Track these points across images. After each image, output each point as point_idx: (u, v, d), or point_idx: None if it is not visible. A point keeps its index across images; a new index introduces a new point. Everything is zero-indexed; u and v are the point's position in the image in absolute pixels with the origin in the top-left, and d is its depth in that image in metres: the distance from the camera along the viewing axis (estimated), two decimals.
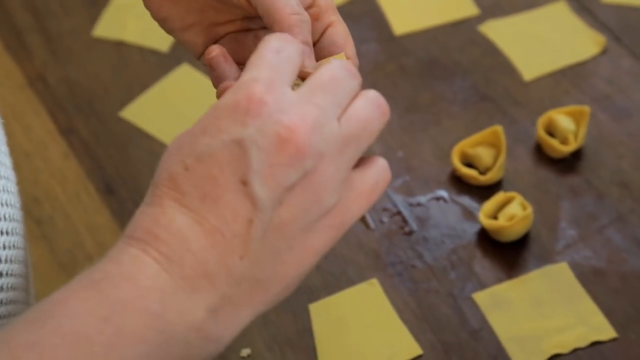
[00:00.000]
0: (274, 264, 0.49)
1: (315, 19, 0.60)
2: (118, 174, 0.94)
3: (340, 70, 0.51)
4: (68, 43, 1.05)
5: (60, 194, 0.93)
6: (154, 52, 1.03)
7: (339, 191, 0.50)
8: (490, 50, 1.01)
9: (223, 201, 0.49)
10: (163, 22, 0.62)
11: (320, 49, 0.61)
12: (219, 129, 0.49)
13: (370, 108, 0.51)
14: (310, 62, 0.57)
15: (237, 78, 0.56)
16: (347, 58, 0.59)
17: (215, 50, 0.59)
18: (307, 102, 0.50)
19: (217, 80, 0.60)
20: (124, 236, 0.50)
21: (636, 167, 0.90)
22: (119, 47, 1.04)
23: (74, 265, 0.88)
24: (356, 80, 0.52)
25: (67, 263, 0.88)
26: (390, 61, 1.01)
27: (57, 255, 0.88)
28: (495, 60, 1.00)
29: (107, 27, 1.06)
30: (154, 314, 0.48)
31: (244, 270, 0.49)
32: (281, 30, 0.56)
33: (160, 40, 1.04)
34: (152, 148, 0.95)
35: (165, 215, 0.49)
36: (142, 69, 1.02)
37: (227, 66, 0.59)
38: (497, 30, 1.02)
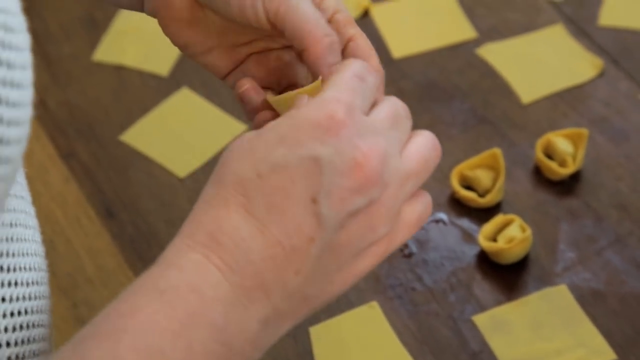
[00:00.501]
0: (322, 282, 0.50)
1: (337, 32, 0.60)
2: (118, 198, 0.94)
3: (401, 108, 0.54)
4: (68, 67, 1.06)
5: (60, 218, 0.94)
6: (153, 76, 1.04)
7: (392, 222, 0.51)
8: (489, 73, 1.01)
9: (289, 215, 0.49)
10: (184, 48, 0.63)
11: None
12: (298, 143, 0.49)
13: (429, 147, 0.54)
14: None
15: (264, 103, 0.59)
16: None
17: (245, 85, 0.60)
18: (379, 133, 0.51)
19: (251, 113, 0.61)
20: (183, 234, 0.50)
21: (634, 190, 0.90)
22: (119, 71, 1.05)
23: (75, 289, 0.88)
24: (411, 120, 0.54)
25: (68, 287, 0.88)
26: (389, 84, 1.01)
27: (58, 278, 0.88)
28: (494, 83, 1.00)
29: (107, 52, 1.06)
30: (219, 327, 0.48)
31: (297, 285, 0.50)
32: (315, 53, 0.56)
33: (160, 65, 1.04)
34: (152, 172, 0.96)
35: (230, 221, 0.49)
36: (142, 93, 1.03)
37: (258, 97, 0.60)
38: (495, 53, 1.03)
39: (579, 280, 0.84)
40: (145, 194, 0.94)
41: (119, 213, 0.93)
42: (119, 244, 0.91)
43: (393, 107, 0.53)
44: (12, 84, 0.43)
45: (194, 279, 0.49)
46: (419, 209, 0.53)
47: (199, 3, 0.60)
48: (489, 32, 1.05)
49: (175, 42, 0.63)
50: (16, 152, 0.44)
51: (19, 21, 0.44)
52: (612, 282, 0.84)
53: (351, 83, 0.52)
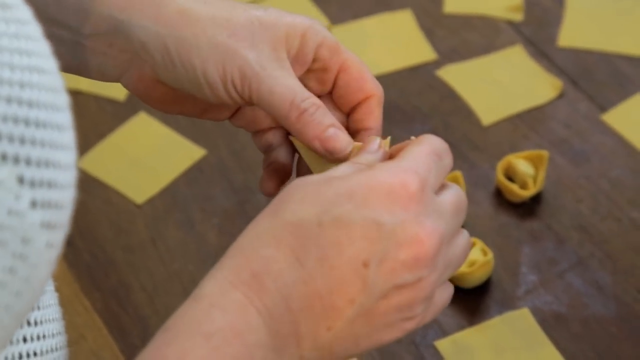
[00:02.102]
0: (349, 343, 0.51)
1: (323, 70, 0.60)
2: (74, 225, 0.92)
3: (464, 201, 0.55)
4: None
5: None
6: (110, 101, 1.02)
7: (428, 303, 0.52)
8: (449, 95, 1.01)
9: (338, 272, 0.49)
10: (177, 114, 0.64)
11: (339, 97, 0.61)
12: (366, 203, 0.50)
13: (467, 249, 0.55)
14: (345, 137, 0.58)
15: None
16: (371, 94, 0.60)
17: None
18: (442, 217, 0.51)
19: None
20: (227, 268, 0.49)
21: (595, 211, 0.90)
22: (75, 96, 1.03)
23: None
24: (465, 214, 0.55)
25: None
26: None
27: None
28: (454, 105, 1.00)
29: (62, 76, 1.05)
30: None
31: (327, 341, 0.50)
32: (296, 130, 0.57)
33: (117, 89, 1.03)
34: (109, 198, 0.94)
35: (277, 264, 0.49)
36: (98, 118, 1.01)
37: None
38: (455, 75, 1.03)
39: (541, 304, 0.84)
40: (102, 221, 0.93)
41: (75, 241, 0.92)
42: (75, 273, 0.89)
43: (459, 196, 0.55)
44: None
45: (237, 322, 0.48)
46: (447, 294, 0.55)
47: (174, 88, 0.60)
48: (449, 54, 1.05)
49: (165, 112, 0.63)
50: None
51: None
52: (574, 305, 0.84)
53: (429, 159, 0.53)
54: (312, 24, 0.60)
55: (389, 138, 0.59)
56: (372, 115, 0.61)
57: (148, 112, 1.01)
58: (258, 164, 0.65)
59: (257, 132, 0.64)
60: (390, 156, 0.56)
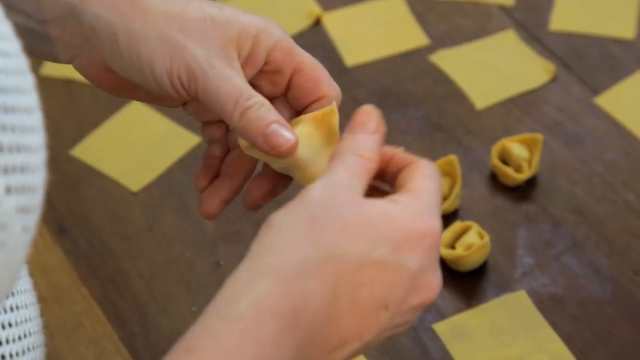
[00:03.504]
0: None
1: (276, 72, 0.60)
2: (71, 214, 0.93)
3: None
4: None
5: None
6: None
7: None
8: (442, 80, 1.01)
9: (363, 313, 0.50)
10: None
11: (293, 98, 0.61)
12: (401, 248, 0.51)
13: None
14: (287, 133, 0.58)
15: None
16: (325, 95, 0.60)
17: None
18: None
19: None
20: (264, 290, 0.48)
21: (590, 194, 0.90)
22: (68, 85, 1.03)
23: None
24: None
25: None
26: (343, 93, 0.99)
27: None
28: (447, 90, 1.00)
29: (55, 66, 1.03)
30: None
31: None
32: (236, 121, 0.57)
33: None
34: (105, 186, 0.94)
35: (315, 301, 0.49)
36: (92, 106, 1.01)
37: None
38: (448, 60, 1.03)
39: (538, 286, 0.84)
40: (98, 209, 0.93)
41: (72, 229, 0.91)
42: (72, 261, 0.89)
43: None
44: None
45: (269, 356, 0.48)
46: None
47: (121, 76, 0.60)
48: (441, 39, 1.05)
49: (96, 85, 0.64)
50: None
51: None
52: (571, 286, 0.84)
53: (440, 197, 0.55)
54: (266, 25, 0.60)
55: (333, 103, 0.59)
56: None
57: (135, 100, 1.00)
58: None
59: (205, 123, 0.64)
60: (388, 159, 0.57)
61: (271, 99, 0.62)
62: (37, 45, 0.61)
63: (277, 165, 0.59)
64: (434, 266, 0.53)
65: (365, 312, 0.50)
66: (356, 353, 0.52)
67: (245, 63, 0.59)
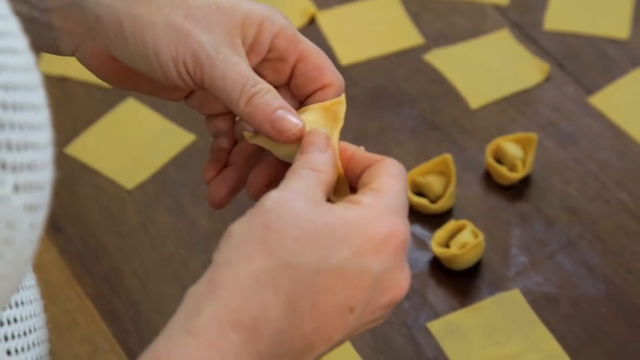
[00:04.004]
0: None
1: (280, 60, 0.60)
2: (65, 212, 0.93)
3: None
4: None
5: None
6: (98, 87, 1.02)
7: None
8: (437, 79, 1.01)
9: (327, 318, 0.50)
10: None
11: (297, 86, 0.61)
12: (361, 251, 0.51)
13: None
14: (294, 118, 0.57)
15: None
16: (328, 83, 0.60)
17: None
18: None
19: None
20: (226, 306, 0.49)
21: (583, 193, 0.91)
22: (63, 82, 1.03)
23: None
24: None
25: None
26: None
27: None
28: (442, 89, 1.00)
29: (49, 63, 1.04)
30: None
31: None
32: (242, 108, 0.57)
33: None
34: (99, 184, 0.94)
35: (275, 311, 0.49)
36: (86, 104, 1.01)
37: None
38: (443, 59, 1.03)
39: (532, 285, 0.85)
40: (92, 207, 0.93)
41: (66, 227, 0.91)
42: (66, 259, 0.89)
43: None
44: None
45: None
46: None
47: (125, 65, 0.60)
48: (436, 38, 1.05)
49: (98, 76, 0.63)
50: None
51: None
52: (564, 285, 0.84)
53: (406, 197, 0.54)
54: (270, 13, 0.59)
55: (343, 95, 0.59)
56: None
57: (136, 98, 1.00)
58: None
59: (209, 116, 0.64)
60: (347, 158, 0.57)
61: (275, 87, 0.61)
62: (40, 37, 0.61)
63: (282, 152, 0.59)
64: (400, 265, 0.52)
65: (329, 317, 0.50)
66: (326, 352, 0.52)
67: (249, 50, 0.59)
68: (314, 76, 0.60)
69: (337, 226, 0.51)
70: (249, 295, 0.49)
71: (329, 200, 0.54)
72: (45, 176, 0.41)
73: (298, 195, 0.52)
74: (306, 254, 0.50)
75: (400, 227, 0.52)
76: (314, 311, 0.50)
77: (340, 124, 0.59)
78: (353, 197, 0.53)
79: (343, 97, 0.60)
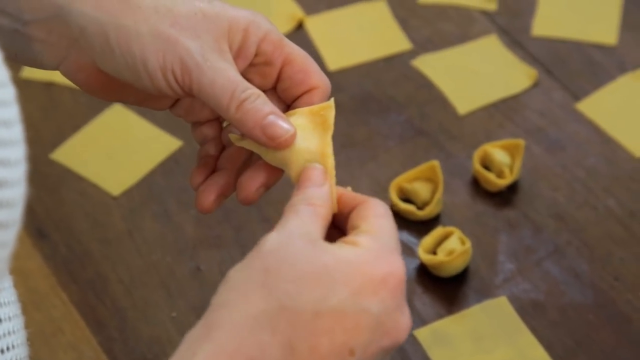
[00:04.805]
0: None
1: (266, 64, 0.60)
2: (50, 218, 0.92)
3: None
4: None
5: None
6: (84, 93, 1.01)
7: None
8: (424, 85, 1.01)
9: (326, 359, 0.49)
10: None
11: (283, 90, 0.61)
12: (360, 293, 0.50)
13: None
14: (285, 123, 0.57)
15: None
16: (315, 86, 0.60)
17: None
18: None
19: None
20: (223, 346, 0.48)
21: (571, 200, 0.91)
22: (49, 88, 1.03)
23: None
24: None
25: None
26: None
27: None
28: (429, 95, 1.00)
29: (35, 69, 1.04)
30: None
31: None
32: (232, 114, 0.57)
33: None
34: (85, 190, 0.94)
35: (272, 352, 0.48)
36: (73, 109, 1.00)
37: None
38: (430, 65, 1.03)
39: (519, 292, 0.84)
40: (78, 214, 0.92)
41: (51, 233, 0.91)
42: (51, 265, 0.88)
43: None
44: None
45: None
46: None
47: (110, 76, 0.59)
48: (424, 44, 1.05)
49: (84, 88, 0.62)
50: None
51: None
52: (552, 292, 0.84)
53: (397, 237, 0.54)
54: (255, 18, 0.59)
55: (332, 100, 0.59)
56: (312, 105, 0.60)
57: (123, 104, 1.00)
58: None
59: (195, 124, 0.63)
60: (341, 202, 0.57)
61: (262, 91, 0.61)
62: (23, 50, 0.60)
63: (270, 157, 0.59)
64: (400, 306, 0.52)
65: (328, 358, 0.49)
66: None
67: (236, 56, 0.59)
68: (301, 79, 0.60)
69: (336, 266, 0.50)
70: (246, 336, 0.48)
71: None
72: (17, 193, 0.40)
73: (296, 236, 0.51)
74: (305, 295, 0.49)
75: (398, 265, 0.52)
76: (313, 353, 0.49)
77: (330, 130, 0.59)
78: (349, 239, 0.53)
79: (332, 101, 0.59)
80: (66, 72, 0.60)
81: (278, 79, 0.61)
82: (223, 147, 0.63)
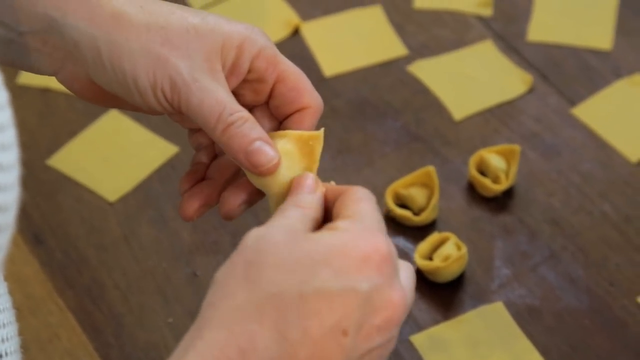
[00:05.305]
0: None
1: (259, 81, 0.60)
2: (46, 224, 0.92)
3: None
4: None
5: None
6: (80, 99, 1.01)
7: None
8: (420, 90, 1.01)
9: (320, 343, 0.49)
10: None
11: (275, 107, 0.61)
12: (343, 271, 0.50)
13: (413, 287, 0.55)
14: (270, 151, 0.58)
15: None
16: (306, 106, 0.60)
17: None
18: (399, 273, 0.53)
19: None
20: (211, 341, 0.48)
21: (566, 205, 0.91)
22: (45, 94, 1.03)
23: None
24: None
25: None
26: None
27: None
28: (425, 100, 1.00)
29: (31, 74, 1.04)
30: None
31: None
32: (218, 136, 0.57)
33: None
34: (82, 196, 0.94)
35: (263, 340, 0.48)
36: (69, 115, 1.01)
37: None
38: (426, 70, 1.03)
39: (515, 297, 0.84)
40: (74, 219, 0.92)
41: (48, 239, 0.91)
42: (48, 271, 0.88)
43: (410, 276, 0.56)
44: None
45: None
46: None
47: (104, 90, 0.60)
48: (420, 49, 1.05)
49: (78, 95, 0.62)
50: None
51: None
52: (548, 298, 0.84)
53: (379, 215, 0.54)
54: (251, 34, 0.59)
55: (322, 130, 0.59)
56: (302, 126, 0.60)
57: (119, 110, 1.00)
58: None
59: (191, 130, 0.64)
60: (326, 198, 0.57)
61: (253, 107, 0.61)
62: (20, 59, 0.60)
63: (253, 179, 0.59)
64: (390, 282, 0.51)
65: (322, 341, 0.49)
66: None
67: (229, 74, 0.59)
68: (292, 97, 0.60)
69: (317, 250, 0.50)
70: (234, 328, 0.49)
71: None
72: (10, 197, 0.40)
73: (278, 229, 0.52)
74: (287, 280, 0.49)
75: (380, 243, 0.51)
76: (305, 337, 0.49)
77: (316, 165, 0.59)
78: (330, 225, 0.53)
79: (322, 132, 0.60)
80: (63, 81, 0.61)
81: (270, 95, 0.61)
82: (215, 155, 0.64)
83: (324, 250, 0.50)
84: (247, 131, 0.57)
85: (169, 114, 0.63)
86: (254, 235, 0.52)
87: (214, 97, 0.57)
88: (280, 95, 0.60)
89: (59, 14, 0.58)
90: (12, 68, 0.62)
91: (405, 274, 0.54)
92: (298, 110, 0.61)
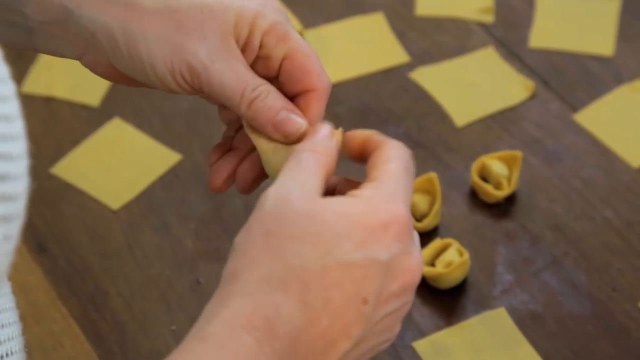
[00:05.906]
0: None
1: (267, 58, 0.60)
2: (50, 232, 0.92)
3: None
4: None
5: None
6: (84, 107, 1.02)
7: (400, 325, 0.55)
8: (422, 97, 1.01)
9: (342, 311, 0.50)
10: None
11: (282, 84, 0.60)
12: (364, 242, 0.51)
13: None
14: (297, 118, 0.58)
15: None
16: (312, 88, 0.59)
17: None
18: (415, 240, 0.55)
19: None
20: (238, 311, 0.49)
21: (568, 211, 0.91)
22: (48, 102, 1.03)
23: None
24: None
25: None
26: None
27: None
28: (427, 107, 1.01)
29: (35, 83, 1.04)
30: None
31: None
32: (244, 112, 0.57)
33: (91, 95, 1.03)
34: (85, 204, 0.94)
35: (288, 309, 0.49)
36: (72, 124, 1.01)
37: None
38: (428, 77, 1.03)
39: (517, 303, 0.85)
40: (78, 228, 0.92)
41: (51, 248, 0.91)
42: (51, 280, 0.89)
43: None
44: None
45: None
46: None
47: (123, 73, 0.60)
48: (421, 56, 1.05)
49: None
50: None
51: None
52: (550, 303, 0.84)
53: (407, 180, 0.54)
54: (263, 9, 0.58)
55: (340, 129, 0.59)
56: (309, 111, 0.60)
57: (122, 117, 1.00)
58: None
59: (220, 106, 0.64)
60: (353, 145, 0.58)
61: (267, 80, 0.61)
62: (43, 44, 0.61)
63: (269, 168, 0.59)
64: (408, 249, 0.52)
65: (343, 310, 0.50)
66: (351, 353, 0.52)
67: (243, 50, 0.59)
68: (298, 77, 0.59)
69: (336, 221, 0.51)
70: (260, 298, 0.50)
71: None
72: (19, 187, 0.41)
73: (294, 195, 0.52)
74: (310, 253, 0.50)
75: (399, 211, 0.52)
76: (327, 306, 0.50)
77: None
78: (354, 192, 0.53)
79: (340, 131, 0.59)
80: (86, 65, 0.61)
81: (278, 72, 0.60)
82: (240, 127, 0.63)
83: (345, 223, 0.51)
84: (272, 102, 0.57)
85: (193, 94, 0.63)
86: (272, 196, 0.52)
87: (234, 75, 0.57)
88: (286, 73, 0.59)
89: (74, 5, 0.58)
90: (37, 53, 0.62)
91: (416, 238, 0.55)
92: (304, 92, 0.60)
